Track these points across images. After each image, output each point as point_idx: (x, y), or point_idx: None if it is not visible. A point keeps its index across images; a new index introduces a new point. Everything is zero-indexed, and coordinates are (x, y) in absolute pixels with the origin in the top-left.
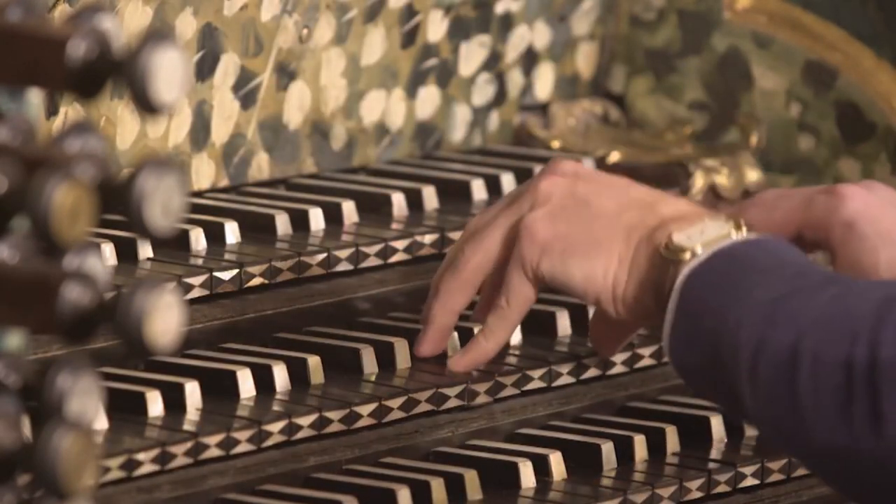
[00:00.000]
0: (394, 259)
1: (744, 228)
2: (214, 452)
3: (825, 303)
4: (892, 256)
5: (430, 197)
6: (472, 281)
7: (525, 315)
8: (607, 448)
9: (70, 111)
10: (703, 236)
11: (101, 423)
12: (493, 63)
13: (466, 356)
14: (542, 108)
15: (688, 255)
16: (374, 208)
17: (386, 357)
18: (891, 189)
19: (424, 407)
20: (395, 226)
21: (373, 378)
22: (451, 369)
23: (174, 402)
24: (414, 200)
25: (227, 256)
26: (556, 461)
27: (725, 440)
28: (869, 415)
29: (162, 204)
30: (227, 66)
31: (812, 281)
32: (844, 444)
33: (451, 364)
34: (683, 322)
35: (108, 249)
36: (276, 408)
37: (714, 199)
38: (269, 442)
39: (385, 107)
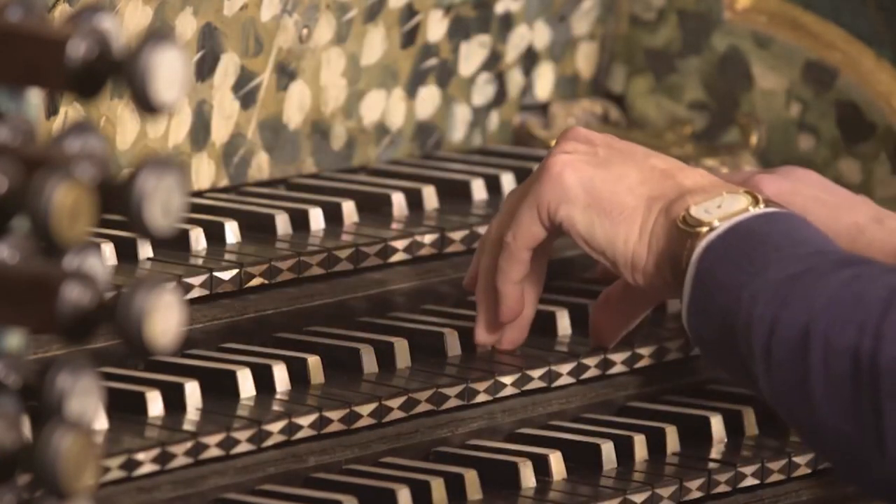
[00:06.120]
0: (394, 259)
1: (761, 203)
2: (214, 452)
3: (838, 285)
4: None
5: (430, 197)
6: (524, 258)
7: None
8: (607, 448)
9: (70, 111)
10: (720, 210)
11: (101, 423)
12: (493, 63)
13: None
14: (542, 108)
15: (705, 229)
16: (374, 208)
17: (386, 357)
18: (811, 172)
19: (424, 407)
20: (395, 226)
21: (373, 378)
22: (479, 342)
23: (174, 402)
24: (414, 200)
25: (227, 256)
26: (556, 461)
27: (725, 440)
28: (871, 409)
29: (162, 204)
30: (227, 66)
31: (828, 260)
32: (850, 432)
33: (477, 337)
34: (700, 296)
35: (108, 249)
36: (276, 408)
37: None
38: (269, 442)
39: (385, 107)
